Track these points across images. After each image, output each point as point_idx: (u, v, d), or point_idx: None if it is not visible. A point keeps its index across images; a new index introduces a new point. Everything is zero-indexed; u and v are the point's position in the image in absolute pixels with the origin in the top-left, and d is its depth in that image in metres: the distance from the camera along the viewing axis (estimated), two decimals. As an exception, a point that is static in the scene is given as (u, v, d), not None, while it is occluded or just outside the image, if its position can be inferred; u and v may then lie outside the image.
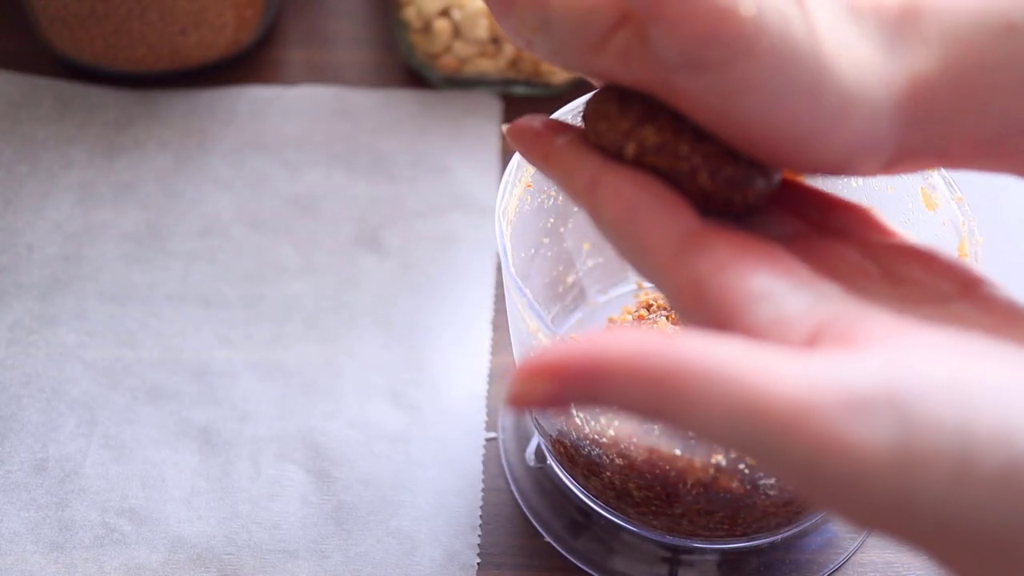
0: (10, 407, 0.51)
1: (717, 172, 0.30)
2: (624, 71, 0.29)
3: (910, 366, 0.23)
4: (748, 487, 0.41)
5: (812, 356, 0.24)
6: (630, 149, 0.30)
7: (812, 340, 0.26)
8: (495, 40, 0.63)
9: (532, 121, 0.33)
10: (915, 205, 0.43)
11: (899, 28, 0.29)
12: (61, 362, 0.53)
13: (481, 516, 0.48)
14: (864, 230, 0.31)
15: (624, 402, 0.24)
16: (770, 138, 0.28)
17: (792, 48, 0.27)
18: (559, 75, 0.64)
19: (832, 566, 0.47)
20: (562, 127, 0.32)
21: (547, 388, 0.24)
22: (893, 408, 0.23)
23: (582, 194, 0.30)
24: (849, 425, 0.23)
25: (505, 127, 0.34)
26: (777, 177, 0.31)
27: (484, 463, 0.50)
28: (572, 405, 0.24)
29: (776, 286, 0.27)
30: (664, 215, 0.29)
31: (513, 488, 0.49)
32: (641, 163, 0.30)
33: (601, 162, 0.30)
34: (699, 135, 0.30)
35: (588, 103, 0.32)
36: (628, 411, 0.24)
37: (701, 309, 0.27)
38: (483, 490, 0.49)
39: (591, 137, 0.31)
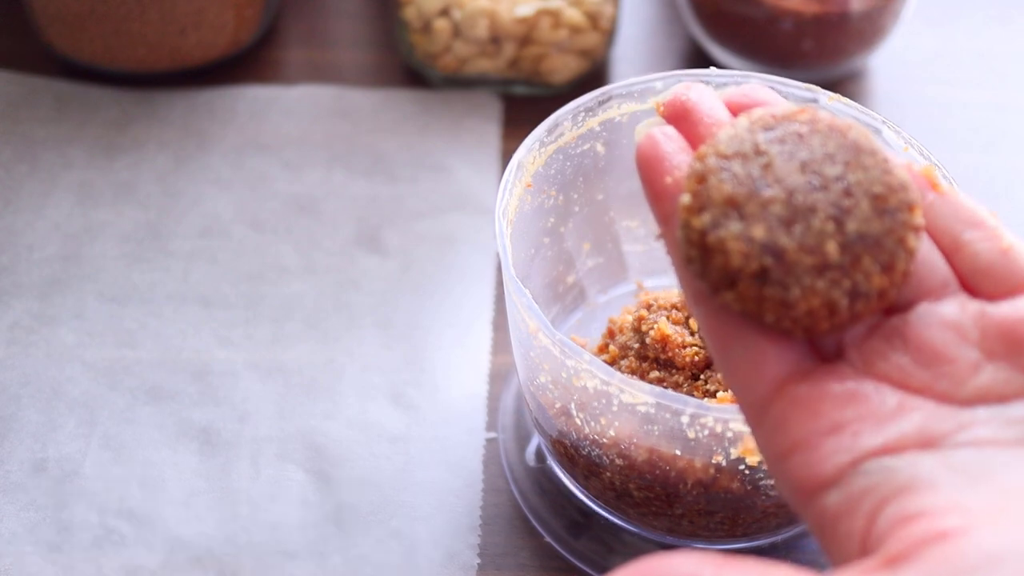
0: (10, 407, 0.51)
1: (812, 329, 0.30)
2: None
3: None
4: (748, 487, 0.41)
5: None
6: (718, 302, 0.31)
7: (865, 538, 0.27)
8: (495, 40, 0.63)
9: (672, 167, 0.33)
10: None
11: None
12: (61, 362, 0.53)
13: (481, 516, 0.48)
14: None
15: None
16: None
17: None
18: (559, 75, 0.64)
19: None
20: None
21: None
22: None
23: (686, 295, 0.32)
24: None
25: (638, 136, 0.33)
26: (876, 316, 0.31)
27: (484, 463, 0.50)
28: None
29: (847, 460, 0.28)
30: (749, 366, 0.30)
31: (513, 488, 0.49)
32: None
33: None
34: (784, 300, 0.29)
35: (681, 240, 0.31)
36: None
37: (783, 482, 0.29)
38: (483, 490, 0.49)
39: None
